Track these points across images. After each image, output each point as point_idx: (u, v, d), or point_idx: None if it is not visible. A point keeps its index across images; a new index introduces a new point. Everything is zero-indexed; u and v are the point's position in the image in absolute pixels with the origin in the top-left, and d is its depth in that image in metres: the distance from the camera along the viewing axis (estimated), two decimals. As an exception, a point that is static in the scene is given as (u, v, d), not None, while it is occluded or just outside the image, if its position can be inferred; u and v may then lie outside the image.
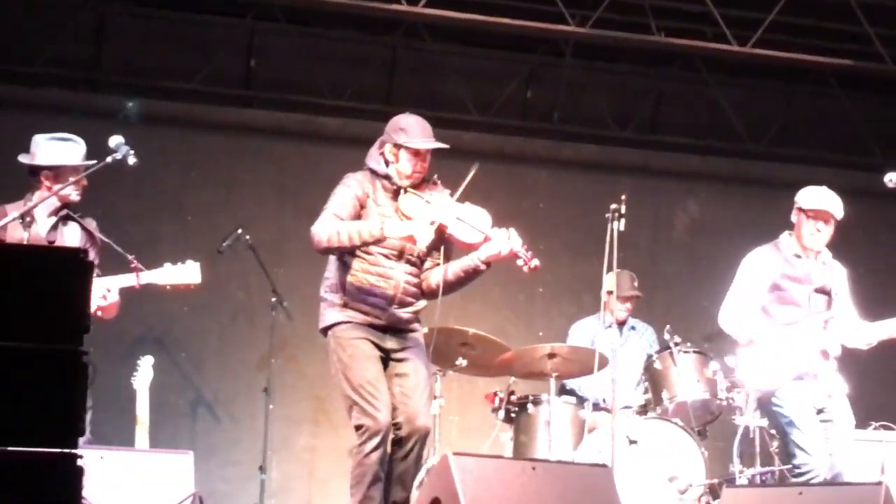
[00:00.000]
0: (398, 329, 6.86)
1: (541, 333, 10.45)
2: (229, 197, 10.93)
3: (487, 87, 11.77)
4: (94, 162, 7.18)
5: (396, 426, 6.71)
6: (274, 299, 10.06)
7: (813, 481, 7.28)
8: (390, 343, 6.82)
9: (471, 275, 6.87)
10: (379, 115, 11.30)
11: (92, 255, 7.25)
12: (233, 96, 11.41)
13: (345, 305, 6.79)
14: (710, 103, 12.08)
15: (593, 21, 10.61)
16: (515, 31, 10.89)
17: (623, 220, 7.93)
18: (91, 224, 7.41)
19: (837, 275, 7.75)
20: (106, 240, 7.35)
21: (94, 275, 6.79)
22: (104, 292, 7.11)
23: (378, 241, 6.65)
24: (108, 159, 7.08)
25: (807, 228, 7.65)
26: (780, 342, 7.54)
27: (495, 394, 9.17)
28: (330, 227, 6.65)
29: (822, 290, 7.63)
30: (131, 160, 7.12)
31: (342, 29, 11.43)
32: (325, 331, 6.86)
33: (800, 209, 7.70)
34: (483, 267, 6.80)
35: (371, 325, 6.76)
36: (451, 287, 6.92)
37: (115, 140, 7.10)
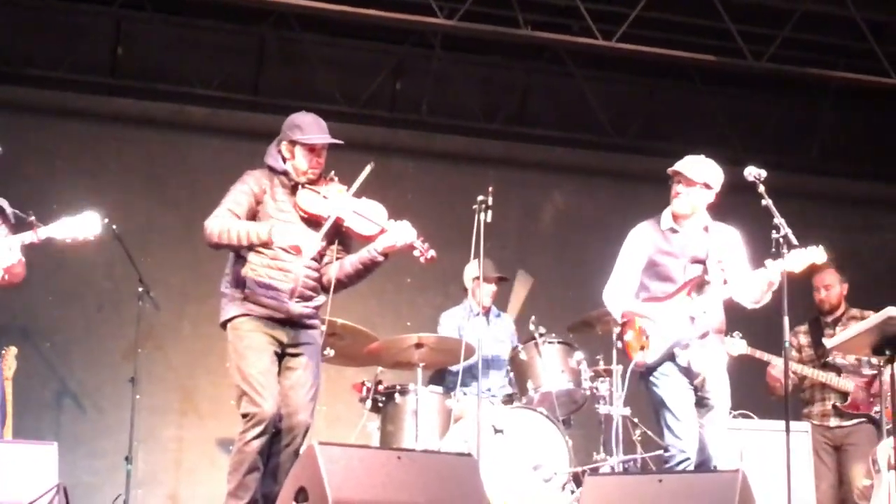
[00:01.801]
0: (296, 324, 6.97)
1: (409, 323, 10.53)
2: (95, 186, 10.80)
3: (356, 77, 11.79)
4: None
5: (278, 418, 6.80)
6: (141, 289, 9.98)
7: (682, 464, 7.36)
8: (287, 337, 6.95)
9: (369, 267, 7.08)
10: (247, 104, 11.34)
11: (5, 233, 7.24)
12: (99, 84, 11.30)
13: (245, 299, 6.91)
14: (577, 96, 12.21)
15: (461, 14, 10.67)
16: (384, 23, 10.89)
17: (490, 212, 8.00)
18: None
19: (724, 239, 7.67)
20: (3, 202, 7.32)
21: None
22: (5, 252, 7.05)
23: (265, 245, 6.75)
24: (-28, 150, 7.03)
25: (672, 195, 7.67)
26: (652, 317, 7.59)
27: (363, 384, 9.21)
28: (222, 223, 6.79)
29: (698, 260, 7.60)
30: (-5, 150, 7.08)
31: (210, 18, 11.38)
32: (224, 324, 6.95)
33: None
34: (380, 258, 7.02)
35: (270, 319, 6.88)
36: (350, 280, 7.13)
37: (-22, 131, 7.04)
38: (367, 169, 7.02)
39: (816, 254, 7.27)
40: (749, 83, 12.41)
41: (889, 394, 7.59)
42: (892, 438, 7.48)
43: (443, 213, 11.14)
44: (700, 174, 7.60)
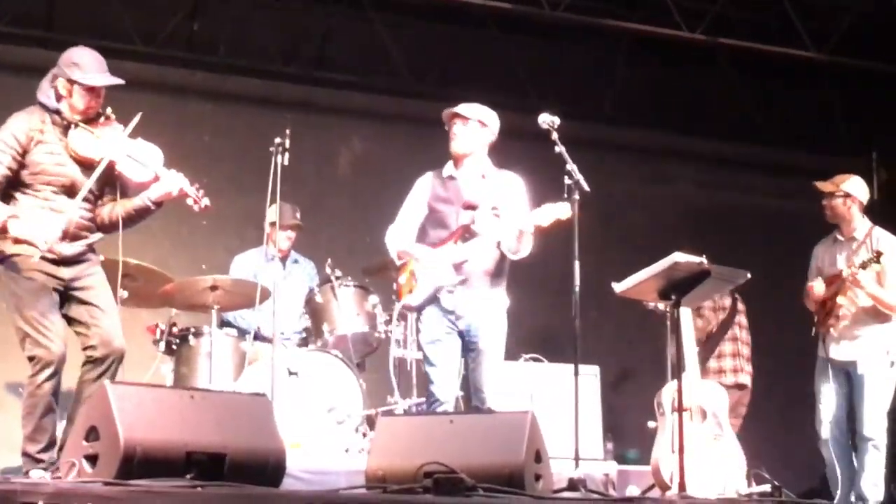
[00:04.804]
0: (71, 261, 6.83)
1: (204, 266, 10.43)
2: None
3: (153, 17, 11.59)
4: None
5: (91, 348, 6.73)
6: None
7: (433, 406, 7.58)
8: (67, 273, 6.81)
9: (142, 213, 7.02)
10: (39, 41, 11.06)
11: None
12: None
13: (17, 240, 6.69)
14: (376, 42, 12.22)
15: (259, -46, 10.60)
16: (181, -39, 10.77)
17: (287, 155, 8.01)
18: None
19: (502, 186, 7.78)
20: None
21: None
22: None
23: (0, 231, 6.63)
24: None
25: (450, 138, 7.82)
26: (420, 259, 7.67)
27: (156, 325, 9.15)
28: None
29: (470, 206, 7.68)
30: None
31: (1, -50, 11.09)
32: None
33: None
34: (153, 207, 6.97)
35: (43, 258, 6.69)
36: (124, 224, 7.00)
37: None
38: (136, 119, 6.91)
39: (562, 209, 7.40)
40: (545, 32, 12.52)
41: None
42: (675, 381, 7.69)
43: (240, 156, 11.09)
44: (473, 112, 7.81)
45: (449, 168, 7.85)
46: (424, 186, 7.89)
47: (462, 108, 7.81)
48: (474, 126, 7.78)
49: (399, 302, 7.92)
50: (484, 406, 7.55)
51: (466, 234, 7.62)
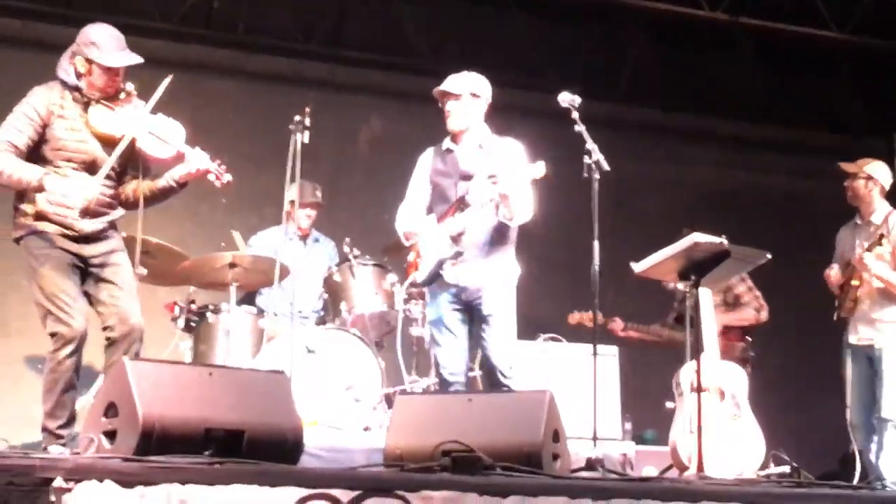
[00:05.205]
0: (93, 238, 6.84)
1: (223, 244, 10.44)
2: None
3: (173, -7, 11.61)
4: None
5: (109, 328, 6.77)
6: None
7: (447, 386, 7.61)
8: (88, 250, 6.83)
9: (166, 193, 7.08)
10: (61, 18, 11.04)
11: None
12: None
13: (36, 216, 6.70)
14: (394, 20, 12.19)
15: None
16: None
17: (307, 133, 7.99)
18: None
19: (499, 154, 7.67)
20: None
21: None
22: None
23: (37, 190, 6.62)
24: None
25: (445, 117, 7.77)
26: (419, 235, 7.70)
27: (175, 303, 9.16)
28: None
29: (467, 177, 7.65)
30: None
31: (22, -74, 11.08)
32: (17, 240, 6.79)
33: None
34: (177, 188, 6.96)
35: (64, 236, 6.71)
36: (146, 202, 7.02)
37: None
38: (166, 81, 6.91)
39: (536, 169, 7.38)
40: (564, 11, 12.49)
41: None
42: (694, 362, 7.68)
43: (259, 134, 11.07)
44: (464, 85, 7.73)
45: (447, 141, 7.83)
46: (425, 163, 7.89)
47: (451, 85, 7.71)
48: (467, 100, 7.72)
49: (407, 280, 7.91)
50: (497, 375, 7.58)
51: (462, 205, 7.59)
